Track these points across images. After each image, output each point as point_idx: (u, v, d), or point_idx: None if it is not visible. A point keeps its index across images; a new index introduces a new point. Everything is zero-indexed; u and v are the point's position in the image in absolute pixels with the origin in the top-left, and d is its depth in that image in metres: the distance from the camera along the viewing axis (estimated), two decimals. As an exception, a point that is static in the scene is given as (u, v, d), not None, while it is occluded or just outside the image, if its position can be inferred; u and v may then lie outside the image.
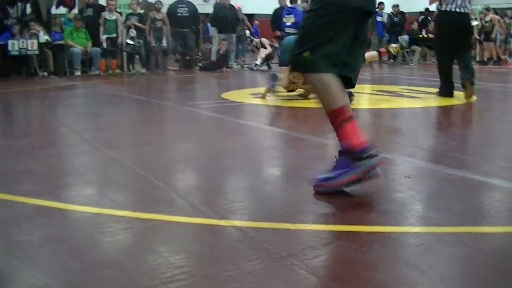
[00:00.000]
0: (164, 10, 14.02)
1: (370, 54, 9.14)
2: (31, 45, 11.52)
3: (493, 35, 17.40)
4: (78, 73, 12.37)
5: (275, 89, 7.62)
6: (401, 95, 8.59)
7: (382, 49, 10.88)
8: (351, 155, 2.93)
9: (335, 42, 2.92)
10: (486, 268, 2.13)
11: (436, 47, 8.50)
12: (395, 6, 18.24)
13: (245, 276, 2.01)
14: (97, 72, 12.61)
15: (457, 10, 7.23)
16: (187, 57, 14.56)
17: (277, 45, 13.87)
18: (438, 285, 1.97)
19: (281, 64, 8.25)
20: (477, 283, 2.02)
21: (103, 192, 3.16)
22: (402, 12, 18.45)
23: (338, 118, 2.96)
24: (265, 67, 13.87)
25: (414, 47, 17.12)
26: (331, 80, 2.93)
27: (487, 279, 2.04)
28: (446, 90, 7.57)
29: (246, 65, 14.62)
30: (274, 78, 7.63)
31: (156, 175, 3.40)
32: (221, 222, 2.58)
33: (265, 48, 13.95)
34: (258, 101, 7.48)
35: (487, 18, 17.48)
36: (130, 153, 4.21)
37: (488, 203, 2.99)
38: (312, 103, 7.05)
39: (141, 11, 13.88)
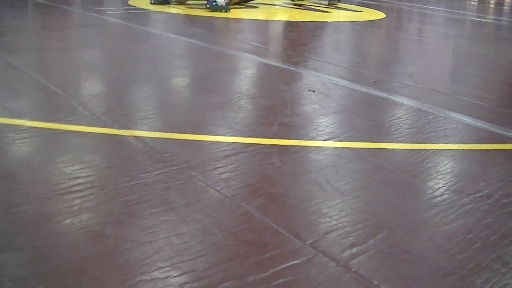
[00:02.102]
0: None
1: None
2: None
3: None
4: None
5: None
6: (310, 8, 8.57)
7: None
8: None
9: None
10: (382, 183, 2.18)
11: None
12: None
13: (142, 187, 1.98)
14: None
15: None
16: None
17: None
18: (334, 199, 2.00)
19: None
20: (373, 197, 2.07)
21: (-2, 99, 3.04)
22: None
23: None
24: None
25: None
26: None
27: (383, 194, 2.09)
28: None
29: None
30: None
31: (56, 83, 3.28)
32: (121, 132, 2.53)
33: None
34: (165, 8, 7.30)
35: None
36: (30, 59, 4.05)
37: (389, 119, 3.04)
38: (219, 13, 6.96)
39: None
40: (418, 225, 1.87)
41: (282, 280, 1.50)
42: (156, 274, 1.48)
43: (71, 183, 2.00)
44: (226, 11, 7.17)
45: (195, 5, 7.74)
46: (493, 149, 2.72)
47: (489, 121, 3.06)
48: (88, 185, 2.00)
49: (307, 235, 1.75)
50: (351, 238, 1.75)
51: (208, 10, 7.28)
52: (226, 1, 7.31)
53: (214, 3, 7.25)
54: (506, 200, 2.10)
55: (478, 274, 1.60)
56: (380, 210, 1.96)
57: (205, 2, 7.46)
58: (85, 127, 2.58)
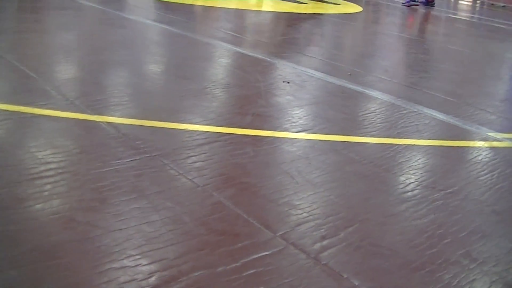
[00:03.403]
0: None
1: None
2: None
3: None
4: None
5: None
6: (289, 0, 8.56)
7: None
8: None
9: None
10: (354, 176, 2.19)
11: None
12: None
13: (114, 174, 1.97)
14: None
15: None
16: None
17: None
18: (306, 191, 2.01)
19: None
20: (344, 190, 2.07)
21: (-30, 80, 3.00)
22: None
23: None
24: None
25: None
26: None
27: (354, 187, 2.10)
28: None
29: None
30: None
31: (30, 65, 3.25)
32: (94, 118, 2.51)
33: None
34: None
35: None
36: (2, 40, 4.00)
37: (363, 113, 3.05)
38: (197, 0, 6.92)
39: None
40: (389, 219, 1.89)
41: (252, 271, 1.50)
42: (126, 262, 1.48)
43: (43, 168, 1.98)
44: None
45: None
46: (465, 146, 2.74)
47: (461, 118, 3.09)
48: (60, 170, 1.98)
49: (278, 226, 1.75)
50: (322, 230, 1.75)
51: None
52: None
53: None
54: (476, 197, 2.12)
55: (447, 269, 1.62)
56: (352, 203, 1.97)
57: None
58: (58, 111, 2.56)
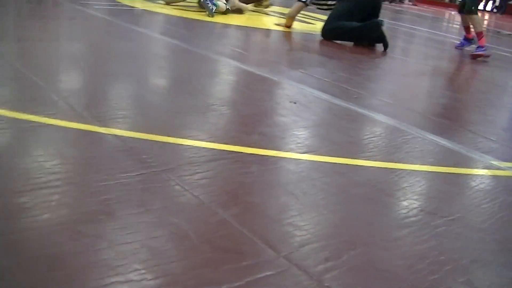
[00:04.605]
0: None
1: None
2: None
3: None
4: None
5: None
6: (298, 20, 8.61)
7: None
8: None
9: None
10: (358, 198, 2.21)
11: None
12: None
13: (120, 187, 1.99)
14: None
15: None
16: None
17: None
18: (310, 212, 2.02)
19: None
20: (347, 212, 2.09)
21: (-21, 86, 3.02)
22: None
23: None
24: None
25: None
26: None
27: (358, 210, 2.12)
28: None
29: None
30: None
31: (38, 74, 3.28)
32: (101, 129, 2.53)
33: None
34: (152, 7, 7.30)
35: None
36: (12, 47, 4.03)
37: (368, 136, 3.07)
38: (205, 17, 6.97)
39: None
40: (391, 243, 1.90)
41: (256, 290, 1.51)
42: (131, 276, 1.49)
43: (50, 177, 1.99)
44: (211, 16, 7.15)
45: (181, 5, 7.75)
46: (468, 173, 2.76)
47: (465, 145, 3.11)
48: (67, 180, 2.00)
49: (282, 246, 1.76)
50: (325, 252, 1.76)
51: (198, 7, 7.30)
52: (227, 7, 7.33)
53: (211, 3, 7.22)
54: (478, 225, 2.13)
55: (448, 297, 1.63)
56: (355, 226, 1.99)
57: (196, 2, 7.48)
58: (65, 121, 2.58)
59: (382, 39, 6.55)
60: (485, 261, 1.88)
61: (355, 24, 6.55)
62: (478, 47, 6.97)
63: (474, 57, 6.92)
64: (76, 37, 4.88)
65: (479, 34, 6.96)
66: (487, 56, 6.98)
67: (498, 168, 2.83)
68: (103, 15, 6.25)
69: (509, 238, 2.08)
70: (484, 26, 15.72)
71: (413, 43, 8.98)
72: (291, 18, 7.07)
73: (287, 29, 7.13)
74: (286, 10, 9.16)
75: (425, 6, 21.48)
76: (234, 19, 7.04)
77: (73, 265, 1.51)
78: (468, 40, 7.68)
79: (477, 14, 7.02)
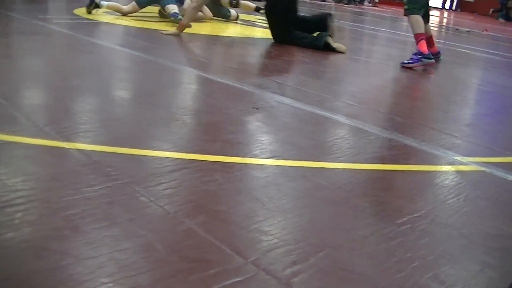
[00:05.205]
0: None
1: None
2: None
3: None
4: None
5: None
6: (255, 25, 8.63)
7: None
8: None
9: None
10: (324, 202, 2.22)
11: None
12: None
13: (85, 201, 1.97)
14: None
15: None
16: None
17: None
18: (276, 217, 2.03)
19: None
20: (313, 215, 2.10)
21: None
22: None
23: None
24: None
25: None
26: None
27: (324, 213, 2.13)
28: None
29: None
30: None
31: (-2, 91, 3.24)
32: (64, 145, 2.51)
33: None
34: (111, 19, 7.27)
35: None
36: (-29, 66, 3.99)
37: (332, 139, 3.09)
38: (168, 25, 6.96)
39: None
40: (358, 243, 1.92)
41: (224, 297, 1.52)
42: (99, 290, 1.48)
43: (13, 195, 1.97)
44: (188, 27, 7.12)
45: (141, 16, 7.73)
46: (432, 170, 2.79)
47: (428, 142, 3.14)
48: (31, 198, 1.98)
49: (250, 252, 1.77)
50: (292, 256, 1.77)
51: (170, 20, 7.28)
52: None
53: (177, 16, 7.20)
54: (443, 221, 2.16)
55: (415, 293, 1.65)
56: (321, 229, 2.00)
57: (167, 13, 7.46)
58: (28, 138, 2.55)
59: (328, 28, 6.56)
60: (451, 256, 1.90)
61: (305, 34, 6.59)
62: (414, 55, 5.93)
63: (406, 67, 5.92)
64: (37, 52, 4.84)
65: (417, 37, 5.95)
66: (428, 65, 6.02)
67: (462, 164, 2.87)
68: (63, 29, 6.20)
69: (474, 232, 2.11)
70: (444, 24, 15.93)
71: (374, 44, 9.06)
72: (183, 25, 6.88)
73: (246, 36, 7.14)
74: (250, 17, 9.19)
75: (385, 7, 21.67)
76: (195, 28, 7.03)
77: (40, 283, 1.50)
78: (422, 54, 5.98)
79: (417, 14, 5.98)
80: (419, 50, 5.86)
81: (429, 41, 6.36)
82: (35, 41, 5.40)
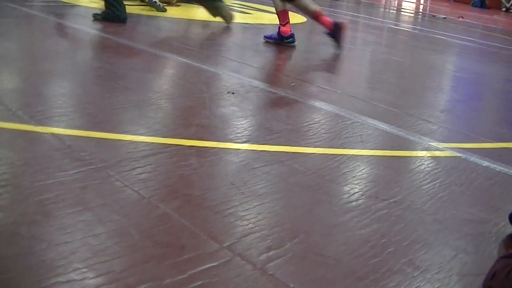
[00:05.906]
0: None
1: None
2: None
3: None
4: None
5: None
6: (231, 9, 8.59)
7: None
8: None
9: None
10: (299, 187, 2.22)
11: None
12: None
13: (59, 186, 1.95)
14: None
15: None
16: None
17: None
18: (251, 202, 2.02)
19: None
20: (289, 201, 2.10)
21: None
22: None
23: None
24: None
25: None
26: None
27: (299, 198, 2.13)
28: None
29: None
30: None
31: (-30, 75, 3.19)
32: (38, 129, 2.48)
33: None
34: (87, 2, 7.18)
35: None
36: None
37: (307, 124, 3.08)
38: (148, 10, 6.89)
39: None
40: (333, 229, 1.91)
41: (199, 283, 1.50)
42: (73, 276, 1.46)
43: (-16, 180, 1.95)
44: (163, 11, 7.03)
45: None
46: (407, 156, 2.80)
47: (404, 128, 3.15)
48: (2, 183, 1.95)
49: (225, 237, 1.76)
50: (267, 241, 1.77)
51: (145, 4, 7.18)
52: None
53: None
54: (418, 206, 2.17)
55: (391, 278, 1.65)
56: (297, 214, 1.99)
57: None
58: (0, 122, 2.51)
59: None
60: (426, 241, 1.91)
61: None
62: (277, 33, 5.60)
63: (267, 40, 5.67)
64: (9, 36, 4.76)
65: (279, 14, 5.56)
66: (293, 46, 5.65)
67: (437, 149, 2.88)
68: (37, 12, 6.12)
69: (449, 217, 2.12)
70: (420, 10, 15.98)
71: (350, 30, 9.04)
72: None
73: (223, 21, 7.08)
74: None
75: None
76: (172, 12, 6.97)
77: (12, 268, 1.47)
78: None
79: None
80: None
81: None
82: (6, 24, 5.32)
